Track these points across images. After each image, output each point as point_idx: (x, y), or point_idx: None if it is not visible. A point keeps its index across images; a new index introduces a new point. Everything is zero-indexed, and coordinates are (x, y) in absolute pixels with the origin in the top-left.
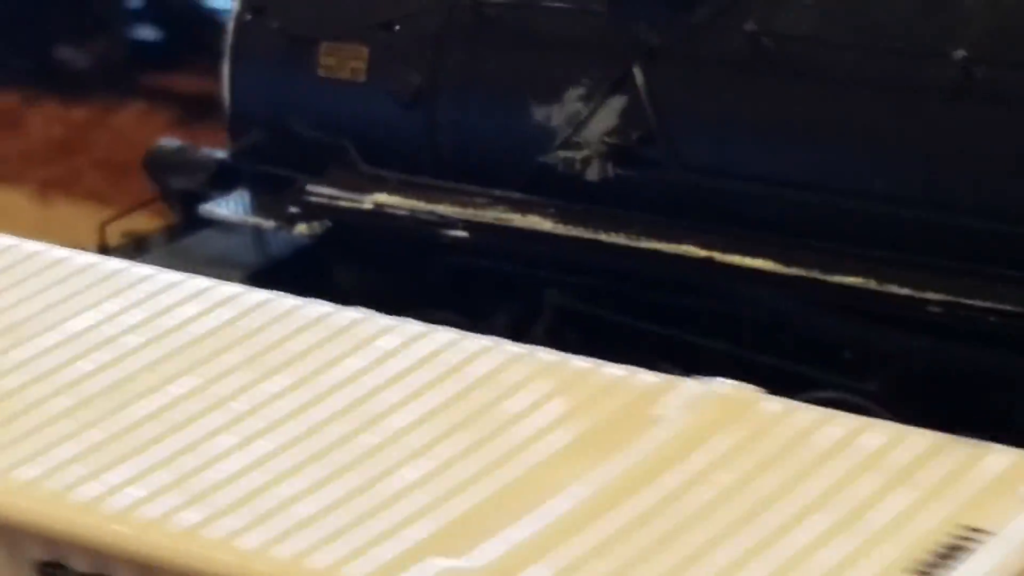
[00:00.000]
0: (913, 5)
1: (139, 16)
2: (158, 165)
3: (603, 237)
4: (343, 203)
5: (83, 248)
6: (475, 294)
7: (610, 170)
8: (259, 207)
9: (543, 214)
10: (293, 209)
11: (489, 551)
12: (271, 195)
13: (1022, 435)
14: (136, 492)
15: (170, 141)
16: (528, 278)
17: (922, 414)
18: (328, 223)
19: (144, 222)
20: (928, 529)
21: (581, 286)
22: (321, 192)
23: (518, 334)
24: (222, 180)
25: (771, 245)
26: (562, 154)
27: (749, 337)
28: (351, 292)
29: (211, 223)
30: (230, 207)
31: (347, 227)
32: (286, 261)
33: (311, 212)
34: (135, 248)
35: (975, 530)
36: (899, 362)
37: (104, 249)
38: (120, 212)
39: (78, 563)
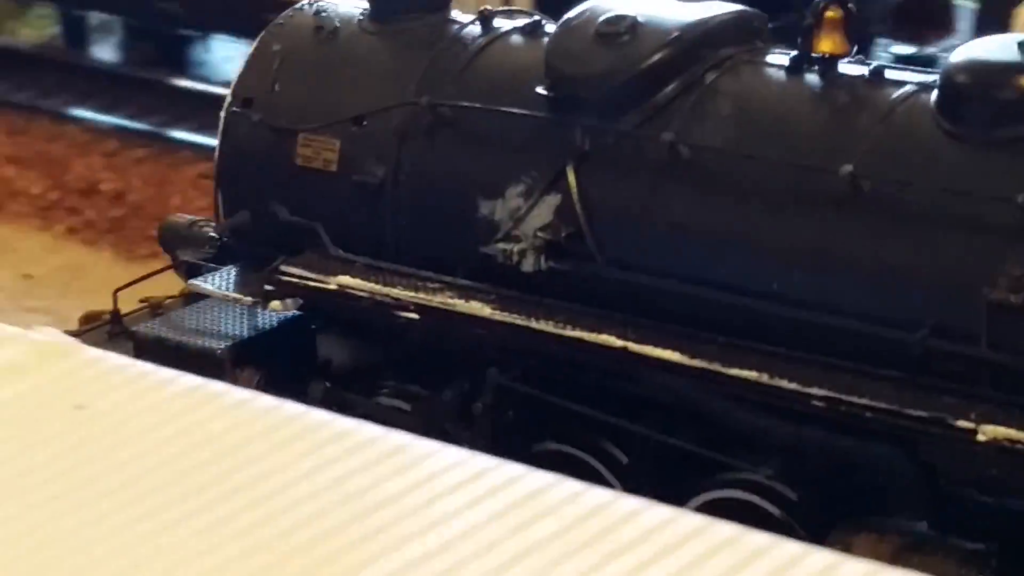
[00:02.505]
0: (814, 123)
1: None
2: (169, 238)
3: (534, 324)
4: (312, 283)
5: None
6: (430, 371)
7: (543, 263)
8: (240, 283)
9: (484, 300)
10: (268, 287)
11: None
12: (253, 272)
13: (895, 519)
14: None
15: (180, 217)
16: (472, 358)
17: (812, 499)
18: (300, 301)
19: (161, 288)
20: None
21: (517, 367)
22: (293, 272)
23: (463, 410)
24: (222, 256)
25: (679, 337)
26: (501, 246)
27: (661, 421)
28: (332, 364)
29: None
30: (215, 282)
31: (317, 305)
32: (272, 332)
33: (284, 290)
34: (151, 314)
35: None
36: (790, 450)
37: (117, 315)
38: (133, 280)
39: None
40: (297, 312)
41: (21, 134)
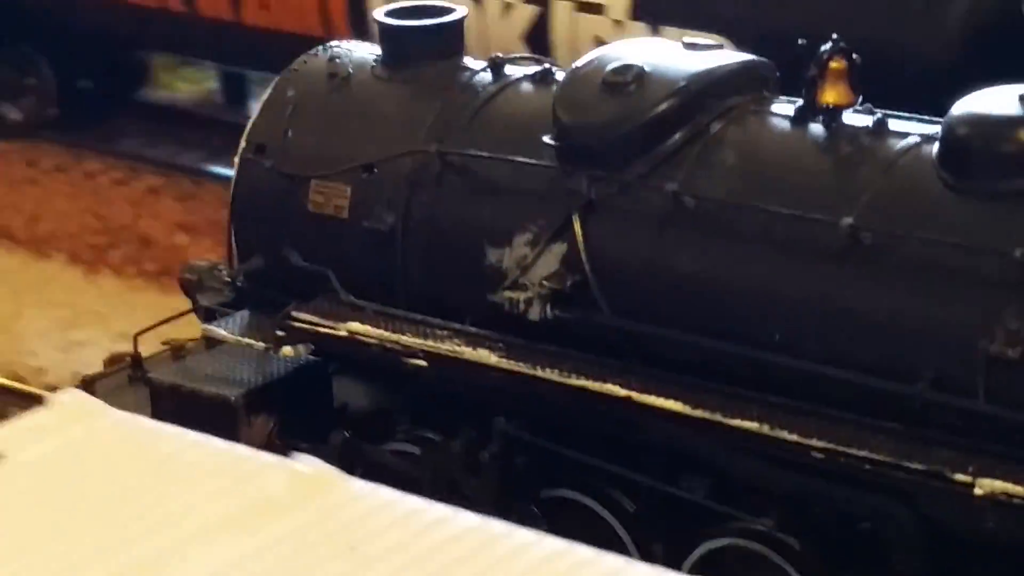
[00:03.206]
0: (816, 174)
1: None
2: (189, 283)
3: (539, 373)
4: (322, 329)
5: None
6: (443, 416)
7: (549, 311)
8: (254, 328)
9: (491, 348)
10: (279, 332)
11: None
12: (267, 317)
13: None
14: None
15: (201, 261)
16: (480, 406)
17: (814, 549)
18: (311, 347)
19: (182, 332)
20: None
21: (524, 416)
22: (304, 318)
23: (470, 458)
24: (240, 301)
25: (682, 387)
26: (508, 294)
27: (666, 470)
28: (348, 408)
29: None
30: (229, 326)
31: (328, 351)
32: (287, 379)
33: (295, 336)
34: (172, 358)
35: None
36: (792, 500)
37: (138, 359)
38: (153, 324)
39: None
40: (313, 358)
41: (190, 199)
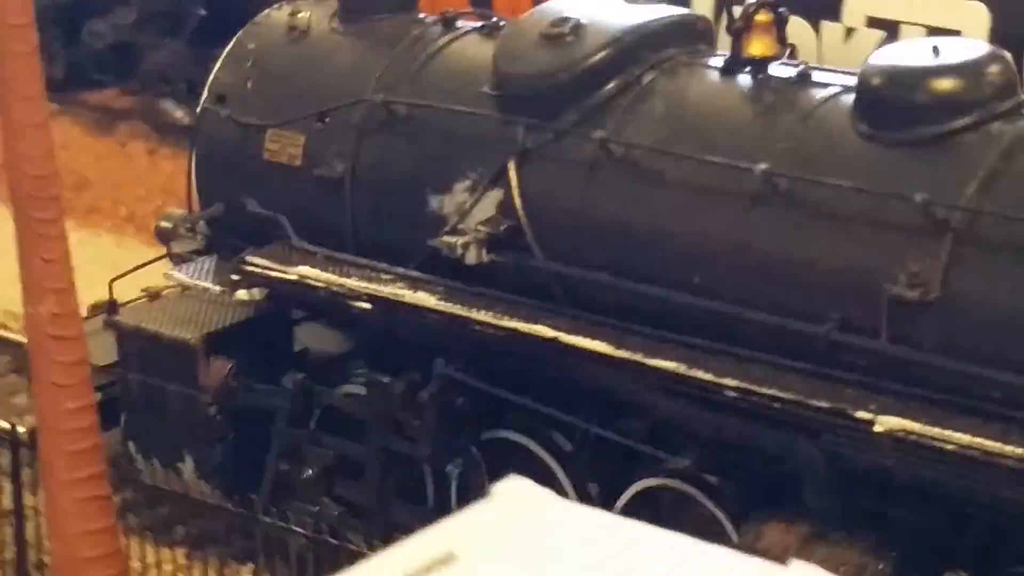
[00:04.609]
0: (738, 123)
1: None
2: (164, 231)
3: (474, 314)
4: (274, 273)
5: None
6: (390, 361)
7: (484, 256)
8: (214, 273)
9: (430, 291)
10: (234, 276)
11: None
12: (227, 263)
13: (805, 508)
14: None
15: (176, 210)
16: (422, 348)
17: (732, 486)
18: (265, 290)
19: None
20: None
21: (463, 358)
22: (256, 263)
23: (412, 398)
24: (210, 248)
25: (607, 329)
26: (447, 239)
27: (601, 413)
28: (308, 353)
29: None
30: (191, 272)
31: (281, 295)
32: (246, 323)
33: (249, 280)
34: (149, 301)
35: None
36: (708, 438)
37: (114, 304)
38: (128, 270)
39: None
40: (271, 303)
41: None
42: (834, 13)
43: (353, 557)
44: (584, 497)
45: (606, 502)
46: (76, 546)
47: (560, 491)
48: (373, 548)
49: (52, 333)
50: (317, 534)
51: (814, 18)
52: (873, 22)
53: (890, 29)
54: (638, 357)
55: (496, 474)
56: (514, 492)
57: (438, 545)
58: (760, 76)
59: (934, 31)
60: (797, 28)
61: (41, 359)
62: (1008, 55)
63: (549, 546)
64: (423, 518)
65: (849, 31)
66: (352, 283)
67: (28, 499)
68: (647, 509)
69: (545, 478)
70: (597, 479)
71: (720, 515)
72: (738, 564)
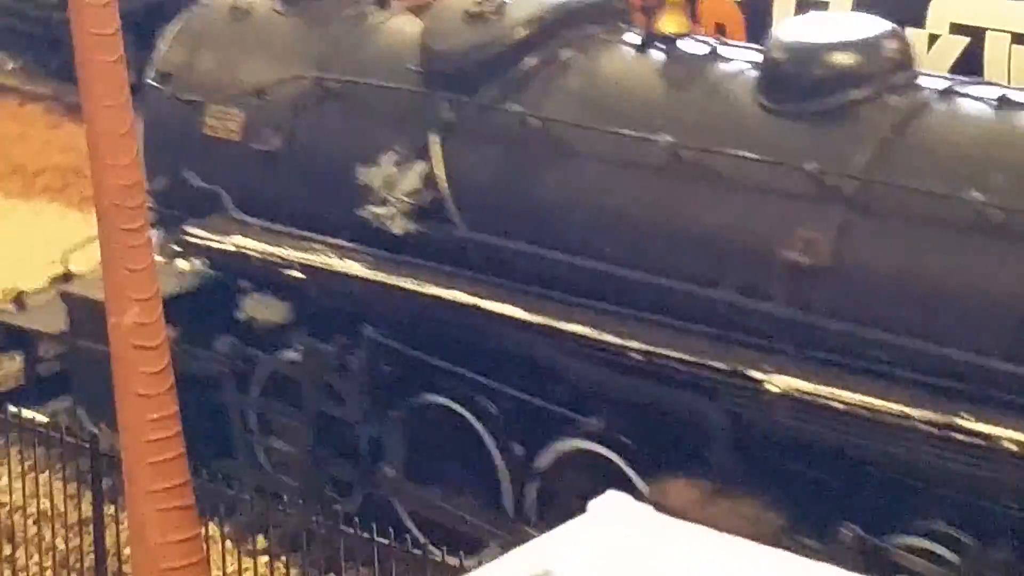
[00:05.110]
0: (648, 97)
1: None
2: None
3: (398, 282)
4: (212, 244)
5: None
6: (324, 327)
7: (409, 226)
8: (159, 244)
9: (358, 260)
10: (175, 247)
11: None
12: (170, 234)
13: (710, 466)
14: None
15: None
16: (352, 314)
17: (642, 446)
18: (206, 260)
19: None
20: None
21: (391, 324)
22: (196, 233)
23: (343, 364)
24: (160, 221)
25: (522, 295)
26: (373, 210)
27: (512, 374)
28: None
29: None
30: None
31: (220, 265)
32: (189, 292)
33: (189, 250)
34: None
35: None
36: (619, 400)
37: (68, 275)
38: (81, 242)
39: None
40: (216, 274)
41: None
42: (919, 20)
43: (438, 569)
44: (509, 459)
45: (530, 463)
46: (159, 556)
47: (485, 453)
48: (458, 561)
49: (136, 343)
50: (401, 545)
51: (900, 25)
52: (957, 28)
53: (975, 35)
54: (551, 322)
55: (426, 437)
56: (610, 508)
57: (535, 562)
58: (672, 52)
59: (1019, 38)
60: None
61: (124, 369)
62: (905, 32)
63: (645, 562)
64: (356, 473)
65: (933, 38)
66: (285, 252)
67: (108, 507)
68: (570, 470)
69: (472, 440)
70: (521, 441)
71: (632, 474)
72: None
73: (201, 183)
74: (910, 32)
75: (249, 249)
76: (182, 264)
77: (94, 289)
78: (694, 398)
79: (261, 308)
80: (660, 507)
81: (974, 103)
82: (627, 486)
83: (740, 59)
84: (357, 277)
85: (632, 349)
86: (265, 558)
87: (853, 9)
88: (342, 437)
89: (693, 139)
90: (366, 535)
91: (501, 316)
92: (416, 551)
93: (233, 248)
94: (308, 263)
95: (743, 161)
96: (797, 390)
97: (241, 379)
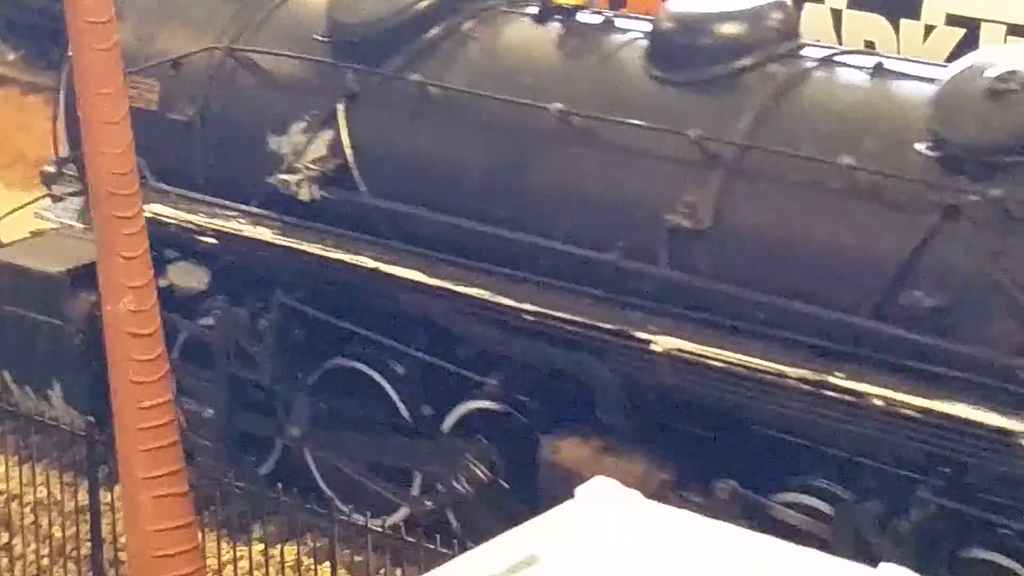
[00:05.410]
0: (543, 66)
1: None
2: (47, 175)
3: (305, 247)
4: None
5: None
6: (240, 293)
7: (316, 192)
8: (80, 213)
9: (268, 226)
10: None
11: None
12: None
13: (602, 424)
14: None
15: (56, 156)
16: (264, 280)
17: (536, 407)
18: None
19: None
20: None
21: (301, 288)
22: None
23: (254, 327)
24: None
25: (423, 259)
26: (282, 177)
27: (419, 336)
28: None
29: None
30: (58, 211)
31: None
32: None
33: None
34: (32, 239)
35: None
36: (514, 361)
37: None
38: (9, 211)
39: None
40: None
41: None
42: (914, 12)
43: (430, 556)
44: (418, 419)
45: (437, 423)
46: (153, 543)
47: (395, 411)
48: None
49: (130, 331)
50: (393, 533)
51: (895, 17)
52: (953, 20)
53: (970, 27)
54: (449, 285)
55: (338, 400)
56: (597, 493)
57: (520, 547)
58: (568, 23)
59: (1016, 29)
60: (877, 27)
61: (119, 357)
62: (790, 3)
63: (632, 547)
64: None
65: (928, 29)
66: (199, 220)
67: (104, 495)
68: (474, 430)
69: (382, 403)
70: (429, 402)
71: (533, 432)
72: (824, 564)
73: None
74: (906, 23)
75: (166, 217)
76: None
77: (20, 256)
78: (585, 358)
79: (182, 275)
80: (553, 464)
81: (851, 71)
82: (527, 444)
83: (634, 30)
84: (267, 243)
85: (525, 311)
86: (260, 546)
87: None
88: (258, 400)
89: (584, 107)
90: (358, 523)
91: (403, 280)
92: (323, 510)
93: (151, 215)
94: (221, 230)
95: (630, 128)
96: (680, 350)
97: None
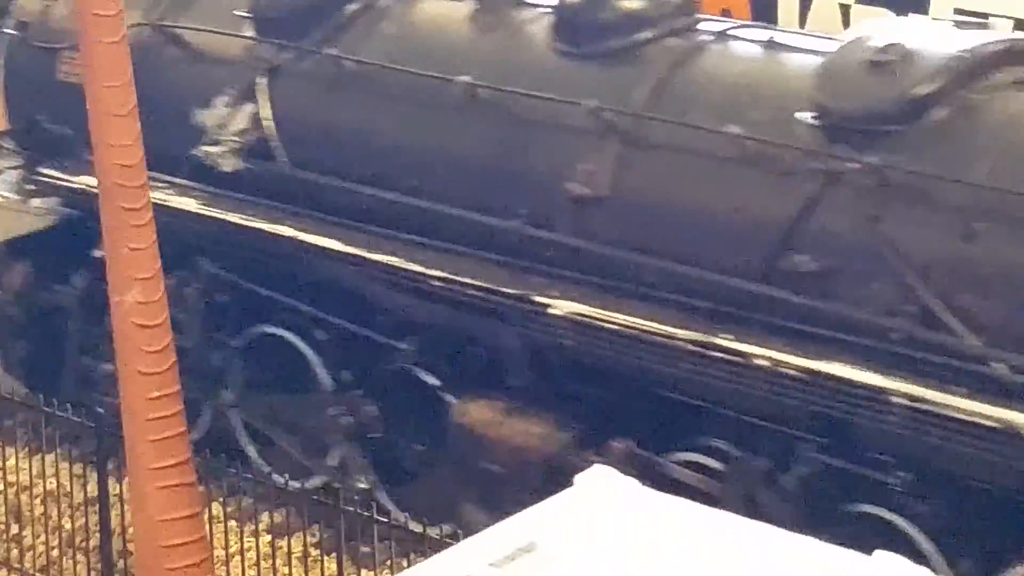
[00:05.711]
0: (455, 40)
1: None
2: None
3: (227, 217)
4: (62, 183)
5: None
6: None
7: (239, 164)
8: (16, 185)
9: (193, 197)
10: (29, 187)
11: None
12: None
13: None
14: None
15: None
16: (192, 249)
17: (448, 371)
18: (59, 199)
19: None
20: None
21: (224, 257)
22: (47, 174)
23: (179, 295)
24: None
25: (339, 228)
26: (206, 149)
27: (334, 304)
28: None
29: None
30: None
31: (72, 204)
32: (45, 231)
33: (42, 190)
34: None
35: None
36: (426, 326)
37: None
38: None
39: None
40: (72, 213)
41: None
42: (922, 6)
43: (434, 545)
44: (340, 383)
45: (355, 386)
46: (160, 533)
47: (318, 380)
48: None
49: (138, 322)
50: (396, 524)
51: (903, 11)
52: (961, 14)
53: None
54: (362, 252)
55: (263, 366)
56: (596, 482)
57: (520, 535)
58: None
59: (1023, 24)
60: None
61: (127, 347)
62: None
63: (630, 535)
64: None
65: None
66: None
67: (112, 487)
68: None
69: (305, 368)
70: (349, 367)
71: (447, 396)
72: (824, 554)
73: (52, 126)
74: (914, 17)
75: (94, 188)
76: (36, 203)
77: None
78: (490, 322)
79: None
80: (460, 426)
81: (744, 44)
82: (442, 406)
83: (543, 5)
84: (191, 213)
85: (433, 276)
86: (268, 537)
87: None
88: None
89: (491, 80)
90: (367, 513)
91: (319, 248)
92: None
93: (83, 187)
94: (152, 201)
95: (533, 100)
96: (578, 313)
97: (95, 312)
